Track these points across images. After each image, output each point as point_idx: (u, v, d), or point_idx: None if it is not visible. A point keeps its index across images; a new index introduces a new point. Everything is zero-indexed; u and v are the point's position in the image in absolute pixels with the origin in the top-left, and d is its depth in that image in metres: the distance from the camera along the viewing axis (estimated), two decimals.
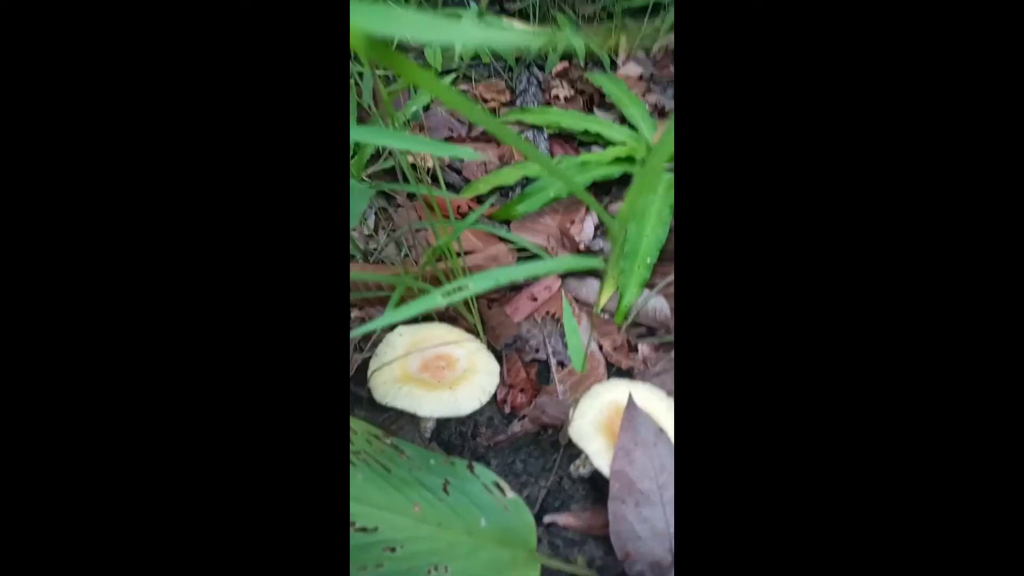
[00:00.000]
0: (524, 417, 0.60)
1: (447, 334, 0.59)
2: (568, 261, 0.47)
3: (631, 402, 0.49)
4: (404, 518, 0.41)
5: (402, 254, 0.71)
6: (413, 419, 0.59)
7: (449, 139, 0.93)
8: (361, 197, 0.44)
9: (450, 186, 0.85)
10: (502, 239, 0.73)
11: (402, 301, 0.66)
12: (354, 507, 0.40)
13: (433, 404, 0.50)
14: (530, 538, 0.44)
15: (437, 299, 0.30)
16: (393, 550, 0.39)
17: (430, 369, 0.55)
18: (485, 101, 1.05)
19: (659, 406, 0.52)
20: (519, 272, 0.31)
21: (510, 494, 0.45)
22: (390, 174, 0.84)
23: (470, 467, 0.45)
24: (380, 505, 0.41)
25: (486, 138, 0.97)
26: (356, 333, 0.39)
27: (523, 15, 1.14)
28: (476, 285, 0.30)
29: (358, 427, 0.45)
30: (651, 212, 0.71)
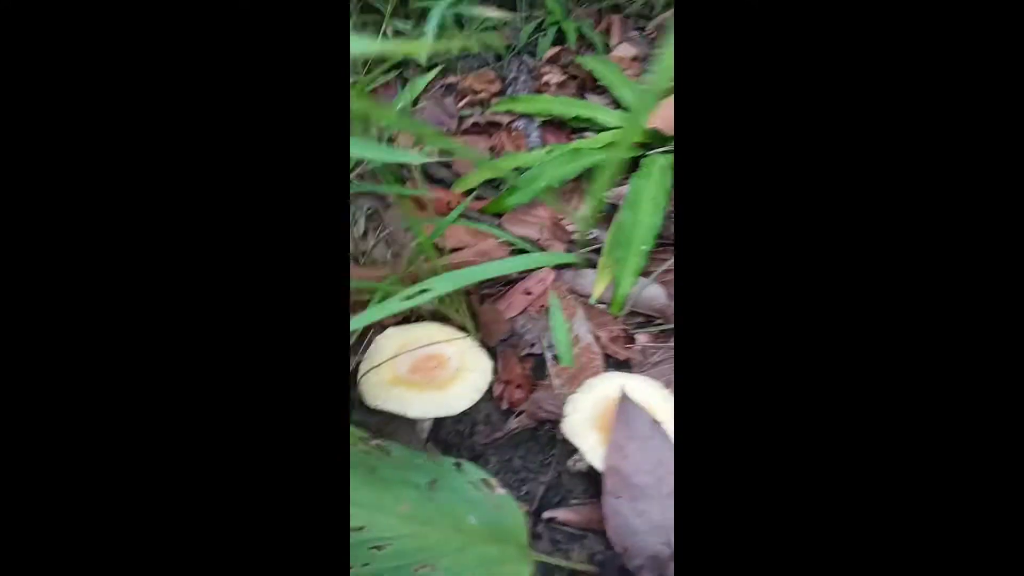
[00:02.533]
0: (521, 413, 0.59)
1: (437, 334, 0.58)
2: (540, 258, 0.45)
3: (624, 396, 0.47)
4: (390, 517, 0.41)
5: (390, 255, 0.71)
6: (409, 421, 0.58)
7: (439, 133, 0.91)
8: None
9: (441, 181, 0.84)
10: (494, 234, 0.72)
11: None
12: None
13: (423, 405, 0.49)
14: (521, 534, 0.43)
15: (397, 304, 0.29)
16: (380, 548, 0.39)
17: (421, 370, 0.55)
18: (476, 92, 1.03)
19: (656, 398, 0.51)
20: (483, 272, 0.30)
21: (499, 490, 0.44)
22: (380, 173, 0.83)
23: (457, 464, 0.45)
24: (366, 504, 0.41)
25: (477, 130, 0.96)
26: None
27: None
28: (440, 286, 0.29)
29: None
30: (644, 198, 0.69)
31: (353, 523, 0.39)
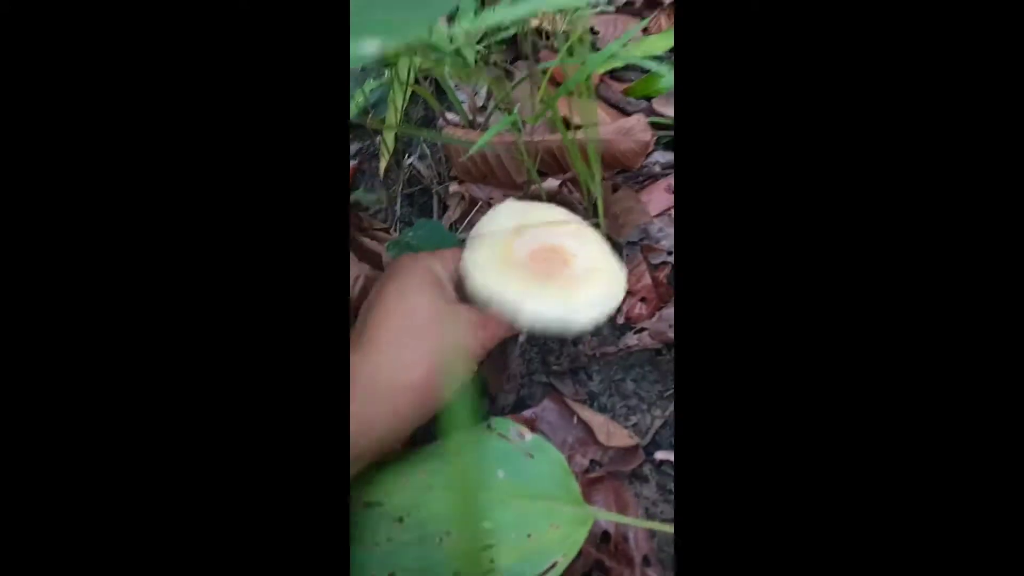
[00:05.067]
0: (643, 330, 0.48)
1: (562, 216, 0.47)
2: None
3: None
4: (409, 488, 0.37)
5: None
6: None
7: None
8: None
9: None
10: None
11: (511, 183, 0.56)
12: (363, 487, 0.36)
13: (544, 302, 0.38)
14: (568, 483, 0.36)
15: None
16: (400, 520, 0.36)
17: (541, 261, 0.44)
18: None
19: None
20: None
21: (529, 436, 0.37)
22: (510, 45, 0.72)
23: (488, 426, 0.39)
24: (385, 480, 0.37)
25: (631, 10, 0.81)
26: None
27: None
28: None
29: None
30: None
31: (369, 498, 0.36)
